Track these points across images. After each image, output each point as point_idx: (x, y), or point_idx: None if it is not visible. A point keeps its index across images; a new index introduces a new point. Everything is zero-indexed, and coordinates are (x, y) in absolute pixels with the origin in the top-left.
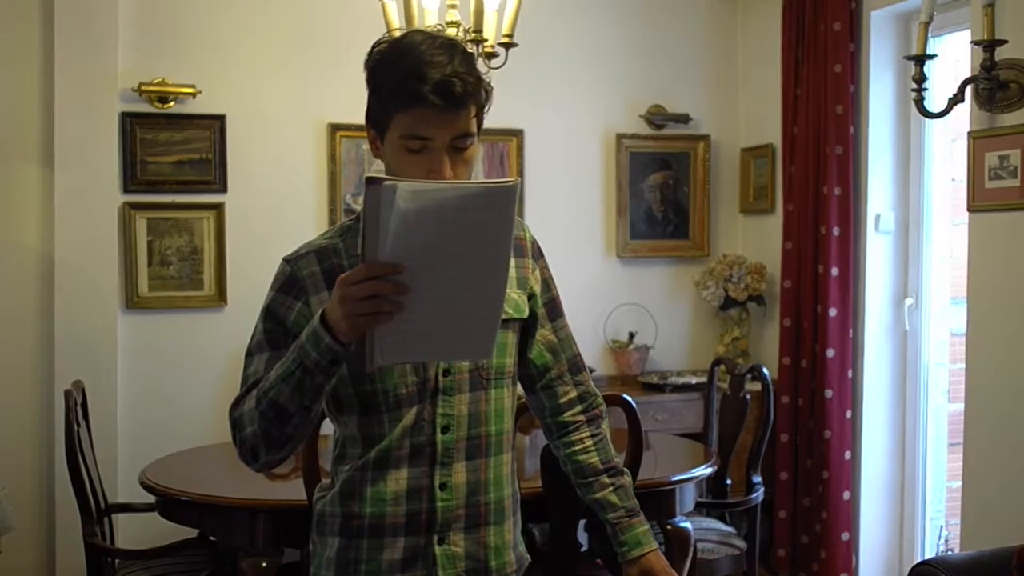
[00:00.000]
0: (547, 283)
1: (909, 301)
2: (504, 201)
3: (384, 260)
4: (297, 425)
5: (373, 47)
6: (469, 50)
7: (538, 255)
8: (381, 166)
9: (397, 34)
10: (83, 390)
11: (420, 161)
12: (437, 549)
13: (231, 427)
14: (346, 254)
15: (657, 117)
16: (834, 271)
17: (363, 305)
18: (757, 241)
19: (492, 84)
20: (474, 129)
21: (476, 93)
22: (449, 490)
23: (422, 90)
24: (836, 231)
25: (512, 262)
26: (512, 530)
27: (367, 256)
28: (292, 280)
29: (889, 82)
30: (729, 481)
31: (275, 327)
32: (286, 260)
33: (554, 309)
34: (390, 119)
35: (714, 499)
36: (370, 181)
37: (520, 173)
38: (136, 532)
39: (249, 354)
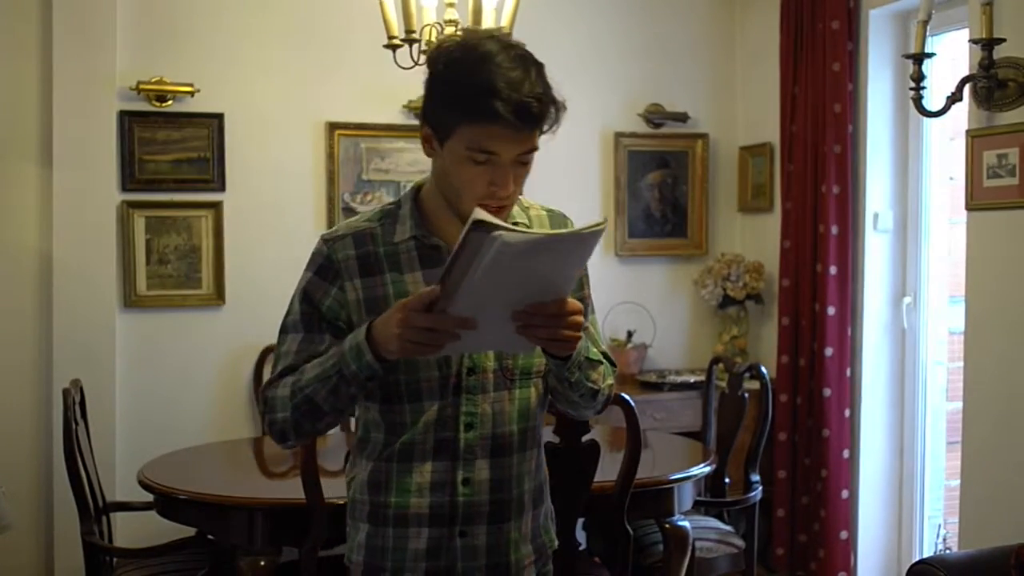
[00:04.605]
0: (581, 281)
1: (907, 300)
2: (591, 242)
3: (463, 291)
4: (329, 423)
5: (441, 48)
6: (540, 61)
7: None
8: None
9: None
10: (81, 389)
11: (483, 172)
12: (459, 542)
13: (261, 404)
14: (383, 241)
15: (655, 116)
16: (832, 270)
17: (421, 335)
18: (755, 240)
19: (566, 103)
20: (538, 143)
21: (552, 113)
22: (471, 485)
23: (499, 108)
24: (834, 230)
25: None
26: (531, 522)
27: (449, 287)
28: (328, 263)
29: (887, 81)
30: (727, 480)
31: (310, 309)
32: (324, 239)
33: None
34: (455, 127)
35: (712, 498)
36: (476, 227)
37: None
38: (134, 531)
39: (284, 331)
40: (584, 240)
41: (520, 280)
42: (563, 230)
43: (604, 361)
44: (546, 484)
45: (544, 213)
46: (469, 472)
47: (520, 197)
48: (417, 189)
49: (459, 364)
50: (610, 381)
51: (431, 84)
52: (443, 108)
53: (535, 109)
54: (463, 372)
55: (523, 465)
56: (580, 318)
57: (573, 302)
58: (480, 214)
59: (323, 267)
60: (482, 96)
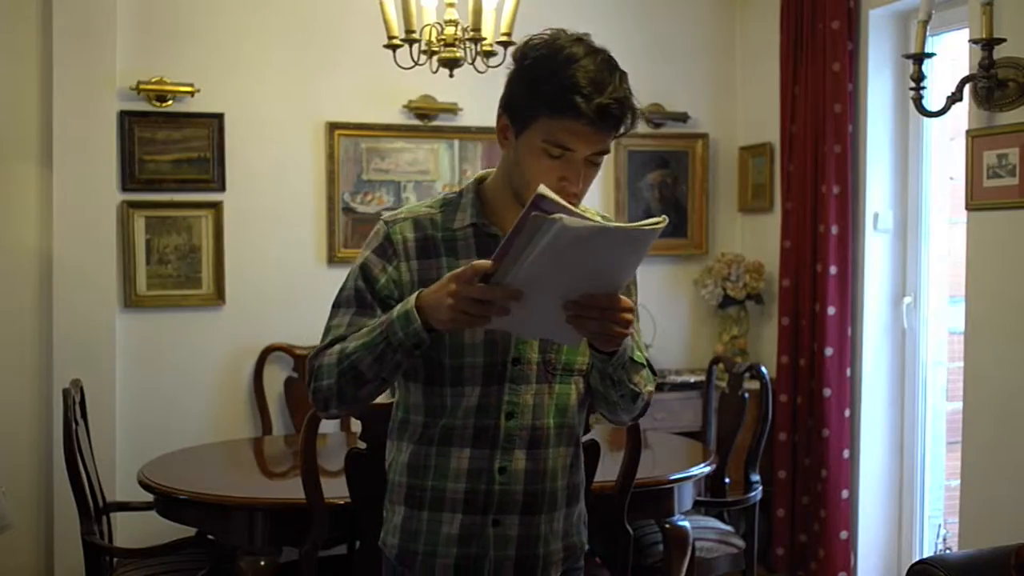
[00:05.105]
0: (629, 288)
1: (907, 300)
2: (647, 239)
3: (520, 273)
4: (371, 392)
5: (528, 44)
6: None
7: None
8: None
9: (547, 36)
10: (81, 389)
11: (556, 167)
12: (491, 531)
13: (308, 374)
14: (442, 227)
15: (656, 116)
16: (832, 270)
17: (472, 306)
18: (756, 240)
19: (643, 112)
20: (610, 147)
21: (627, 119)
22: (508, 474)
23: (581, 105)
24: (835, 230)
25: None
26: (563, 520)
27: (504, 265)
28: (387, 242)
29: (888, 81)
30: (727, 480)
31: (365, 286)
32: (385, 221)
33: None
34: (535, 119)
35: (712, 498)
36: (539, 202)
37: None
38: (134, 531)
39: (336, 305)
40: (641, 236)
41: (574, 269)
42: (622, 223)
43: (646, 366)
44: (582, 487)
45: (598, 217)
46: (507, 461)
47: None
48: (480, 180)
49: (505, 353)
50: (650, 388)
51: (515, 76)
52: (525, 100)
53: (615, 111)
54: (508, 361)
55: (558, 460)
56: (630, 315)
57: (624, 299)
58: (544, 189)
59: (382, 246)
60: (566, 92)
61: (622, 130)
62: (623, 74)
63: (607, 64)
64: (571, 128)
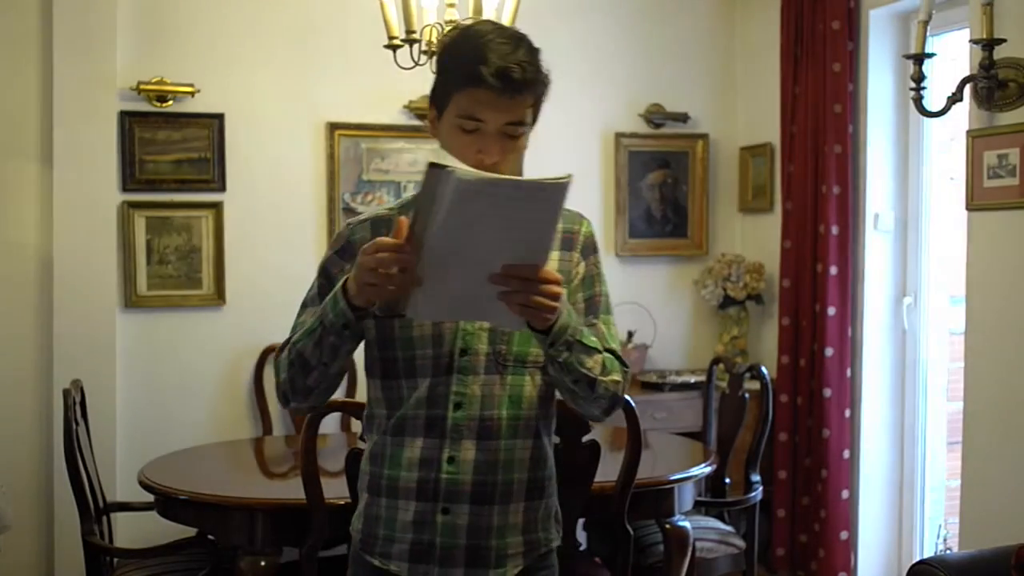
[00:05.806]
0: (592, 280)
1: (908, 300)
2: (555, 196)
3: (431, 238)
4: (318, 380)
5: (446, 35)
6: (535, 45)
7: (589, 251)
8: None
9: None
10: (82, 389)
11: (472, 141)
12: (439, 518)
13: (274, 371)
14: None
15: (656, 116)
16: (833, 270)
17: (368, 275)
18: (756, 240)
19: (551, 78)
20: (528, 119)
21: (534, 83)
22: (456, 464)
23: (482, 72)
24: (835, 230)
25: (556, 254)
26: (523, 513)
27: (416, 232)
28: (347, 244)
29: (888, 81)
30: (728, 480)
31: (326, 283)
32: (347, 223)
33: (592, 306)
34: (449, 98)
35: (713, 498)
36: (432, 165)
37: (519, 171)
38: (135, 531)
39: (303, 305)
40: (546, 192)
41: (485, 233)
42: (522, 178)
43: (605, 353)
44: (550, 482)
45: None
46: (455, 451)
47: None
48: None
49: (452, 344)
50: (615, 377)
51: (436, 64)
52: (440, 83)
53: (516, 74)
54: (455, 352)
55: (513, 452)
56: (556, 288)
57: (549, 271)
58: (434, 159)
59: (342, 248)
60: (469, 64)
61: (530, 98)
62: (533, 48)
63: (514, 38)
64: (477, 97)
